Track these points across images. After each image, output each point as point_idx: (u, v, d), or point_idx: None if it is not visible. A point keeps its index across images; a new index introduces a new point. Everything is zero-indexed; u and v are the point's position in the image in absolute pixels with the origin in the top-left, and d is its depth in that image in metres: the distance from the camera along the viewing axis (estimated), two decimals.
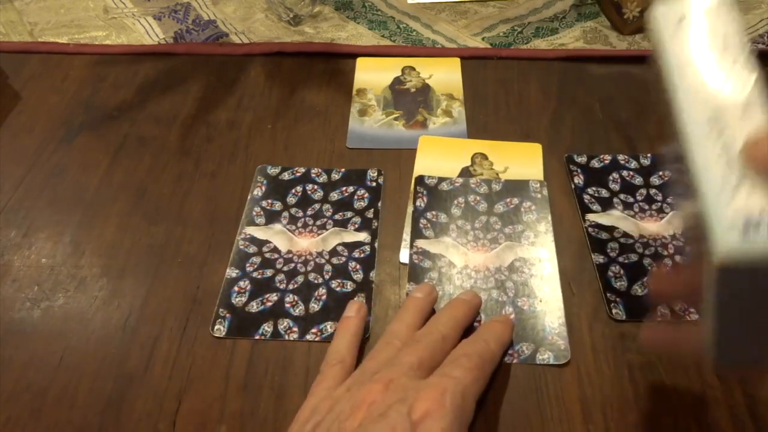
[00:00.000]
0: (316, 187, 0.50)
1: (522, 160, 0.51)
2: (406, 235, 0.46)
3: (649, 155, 0.51)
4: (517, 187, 0.49)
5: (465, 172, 0.50)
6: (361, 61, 0.62)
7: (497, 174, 0.50)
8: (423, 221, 0.47)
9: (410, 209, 0.48)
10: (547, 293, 0.42)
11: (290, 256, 0.45)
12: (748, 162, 0.24)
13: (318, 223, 0.47)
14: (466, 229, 0.46)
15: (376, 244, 0.46)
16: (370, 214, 0.48)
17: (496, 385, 0.38)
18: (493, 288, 0.43)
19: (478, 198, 0.48)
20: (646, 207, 0.47)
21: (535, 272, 0.43)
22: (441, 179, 0.50)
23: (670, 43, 0.27)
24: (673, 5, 0.28)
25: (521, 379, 0.38)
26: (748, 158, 0.24)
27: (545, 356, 0.39)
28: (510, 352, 0.39)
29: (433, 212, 0.47)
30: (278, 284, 0.43)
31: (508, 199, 0.48)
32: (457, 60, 0.62)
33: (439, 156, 0.52)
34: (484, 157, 0.52)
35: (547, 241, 0.45)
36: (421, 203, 0.48)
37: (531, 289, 0.42)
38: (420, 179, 0.50)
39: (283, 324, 0.41)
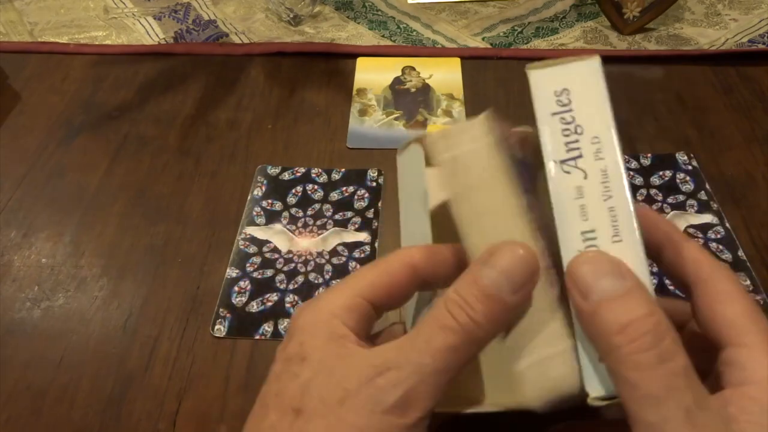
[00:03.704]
0: (316, 187, 0.50)
1: None
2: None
3: (649, 155, 0.51)
4: None
5: None
6: (361, 61, 0.62)
7: None
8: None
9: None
10: None
11: (290, 256, 0.45)
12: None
13: (318, 223, 0.47)
14: None
15: (376, 244, 0.46)
16: (370, 214, 0.48)
17: None
18: None
19: None
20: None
21: None
22: None
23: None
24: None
25: None
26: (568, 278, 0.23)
27: None
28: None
29: None
30: (278, 284, 0.43)
31: None
32: (458, 60, 0.62)
33: None
34: None
35: None
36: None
37: None
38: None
39: (284, 324, 0.41)
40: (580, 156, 0.24)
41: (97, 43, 0.65)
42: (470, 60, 0.62)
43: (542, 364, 0.24)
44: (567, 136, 0.25)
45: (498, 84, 0.59)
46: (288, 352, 0.24)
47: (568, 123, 0.25)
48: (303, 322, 0.25)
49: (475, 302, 0.23)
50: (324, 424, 0.22)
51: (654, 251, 0.26)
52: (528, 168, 0.27)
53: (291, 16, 0.66)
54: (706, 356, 0.24)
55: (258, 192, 0.49)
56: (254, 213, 0.48)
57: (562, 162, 0.24)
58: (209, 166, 0.52)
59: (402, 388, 0.22)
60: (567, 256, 0.24)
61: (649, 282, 0.23)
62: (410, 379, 0.22)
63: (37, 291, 0.44)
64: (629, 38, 0.63)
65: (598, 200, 0.24)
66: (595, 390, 0.23)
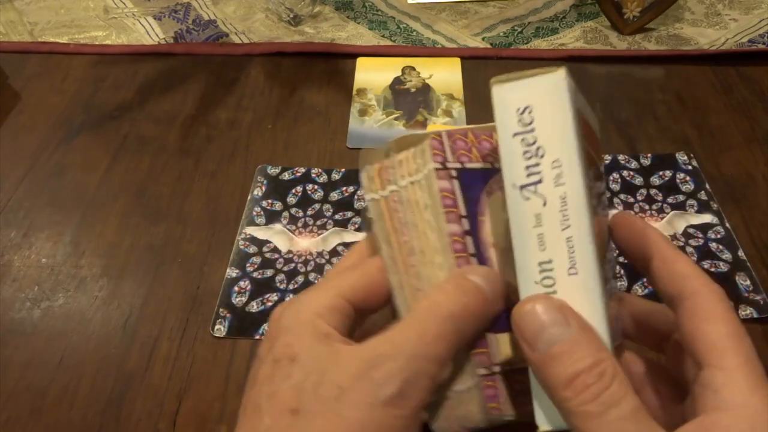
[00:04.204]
0: (316, 187, 0.50)
1: None
2: None
3: (649, 155, 0.51)
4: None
5: None
6: (361, 61, 0.62)
7: None
8: None
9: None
10: None
11: (290, 256, 0.45)
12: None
13: (318, 223, 0.47)
14: None
15: None
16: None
17: None
18: None
19: None
20: (647, 207, 0.47)
21: None
22: None
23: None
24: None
25: None
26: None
27: None
28: None
29: None
30: (278, 284, 0.43)
31: None
32: (457, 60, 0.62)
33: None
34: None
35: None
36: None
37: None
38: None
39: None
40: (539, 181, 0.23)
41: (97, 43, 0.65)
42: (470, 60, 0.62)
43: (452, 399, 0.25)
44: (528, 159, 0.23)
45: None
46: (276, 353, 0.24)
47: (530, 144, 0.23)
48: (287, 322, 0.25)
49: (468, 291, 0.24)
50: (323, 422, 0.22)
51: (642, 262, 0.26)
52: (490, 176, 0.26)
53: (291, 16, 0.66)
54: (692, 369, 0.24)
55: (258, 192, 0.49)
56: (254, 213, 0.48)
57: (522, 187, 0.23)
58: (209, 166, 0.52)
59: (399, 379, 0.22)
60: (524, 288, 0.23)
61: (603, 317, 0.22)
62: (406, 370, 0.22)
63: (37, 291, 0.44)
64: (629, 38, 0.63)
65: (556, 229, 0.22)
66: (545, 424, 0.23)
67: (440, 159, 0.25)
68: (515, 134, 0.23)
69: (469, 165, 0.26)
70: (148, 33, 0.66)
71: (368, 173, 0.26)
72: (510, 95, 0.23)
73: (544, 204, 0.23)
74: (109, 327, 0.41)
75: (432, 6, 0.69)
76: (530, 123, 0.23)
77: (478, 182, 0.26)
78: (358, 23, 0.67)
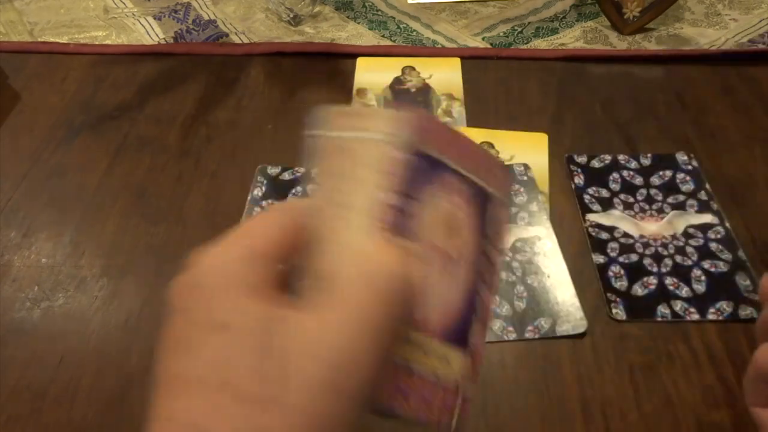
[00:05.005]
0: None
1: (528, 149, 0.52)
2: None
3: (649, 155, 0.51)
4: None
5: None
6: (361, 61, 0.62)
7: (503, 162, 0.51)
8: None
9: None
10: (553, 269, 0.43)
11: None
12: None
13: None
14: None
15: None
16: None
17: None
18: (501, 269, 0.44)
19: None
20: (647, 207, 0.47)
21: (537, 250, 0.44)
22: None
23: None
24: None
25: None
26: None
27: (564, 327, 0.40)
28: (530, 328, 0.40)
29: None
30: None
31: None
32: (457, 60, 0.62)
33: None
34: (491, 146, 0.52)
35: (542, 220, 0.46)
36: None
37: (537, 266, 0.44)
38: None
39: None
40: None
41: (97, 43, 0.65)
42: (470, 60, 0.62)
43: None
44: None
45: (498, 84, 0.59)
46: (197, 317, 0.22)
47: None
48: (206, 271, 0.23)
49: (407, 256, 0.22)
50: (264, 412, 0.19)
51: None
52: (445, 172, 0.26)
53: (291, 16, 0.66)
54: None
55: (258, 192, 0.49)
56: (254, 213, 0.48)
57: None
58: (209, 166, 0.52)
59: (347, 355, 0.19)
60: None
61: None
62: (353, 347, 0.19)
63: (37, 291, 0.44)
64: (629, 38, 0.63)
65: None
66: None
67: (410, 134, 0.24)
68: None
69: (433, 154, 0.25)
70: (148, 33, 0.66)
71: (326, 112, 0.26)
72: None
73: None
74: (109, 327, 0.41)
75: (432, 6, 0.69)
76: None
77: (431, 171, 0.25)
78: (358, 23, 0.67)
